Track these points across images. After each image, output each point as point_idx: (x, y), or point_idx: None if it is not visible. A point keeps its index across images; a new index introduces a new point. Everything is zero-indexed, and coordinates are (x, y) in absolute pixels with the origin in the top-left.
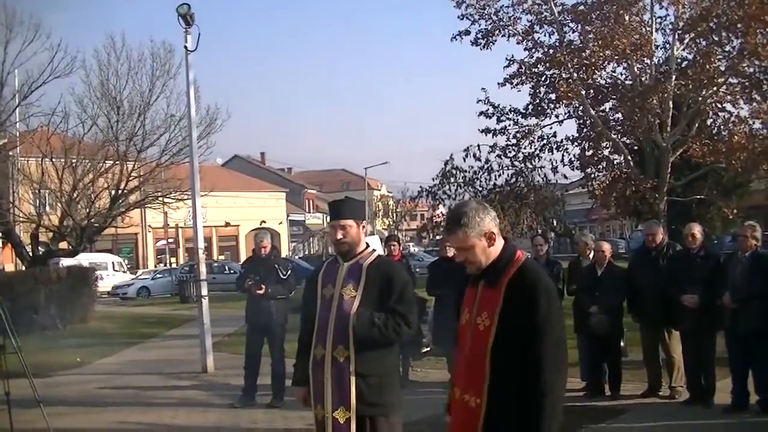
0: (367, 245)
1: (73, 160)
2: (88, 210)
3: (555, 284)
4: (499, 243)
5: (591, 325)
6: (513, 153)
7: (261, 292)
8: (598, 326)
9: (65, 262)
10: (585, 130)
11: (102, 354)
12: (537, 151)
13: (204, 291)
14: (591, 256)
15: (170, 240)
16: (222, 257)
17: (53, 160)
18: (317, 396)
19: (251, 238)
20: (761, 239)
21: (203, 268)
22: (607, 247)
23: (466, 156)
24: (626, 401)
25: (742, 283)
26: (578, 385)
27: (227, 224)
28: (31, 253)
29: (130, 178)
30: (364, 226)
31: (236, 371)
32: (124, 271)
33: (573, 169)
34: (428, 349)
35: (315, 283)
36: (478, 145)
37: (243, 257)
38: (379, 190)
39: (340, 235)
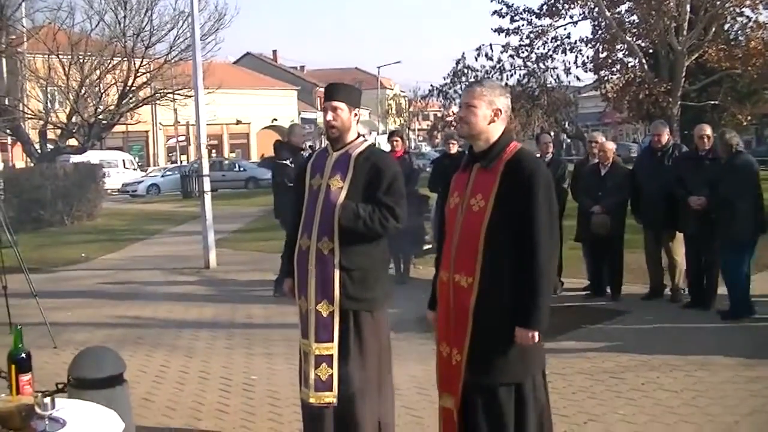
0: (359, 135)
1: (80, 56)
2: (95, 107)
3: (560, 184)
4: (500, 127)
5: (592, 225)
6: (526, 53)
7: None
8: (600, 226)
9: (74, 159)
10: (599, 31)
11: (107, 250)
12: (550, 52)
13: (207, 186)
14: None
15: (181, 137)
16: (233, 155)
17: (60, 56)
18: (301, 288)
19: (262, 136)
20: (733, 144)
21: (206, 164)
22: (610, 146)
23: (478, 55)
24: (626, 302)
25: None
26: (580, 285)
27: (238, 122)
28: (39, 150)
29: (138, 75)
30: (357, 114)
31: (238, 267)
32: (134, 169)
33: (586, 71)
34: (430, 246)
35: (303, 173)
36: (491, 45)
37: (254, 155)
38: (392, 89)
39: (330, 117)
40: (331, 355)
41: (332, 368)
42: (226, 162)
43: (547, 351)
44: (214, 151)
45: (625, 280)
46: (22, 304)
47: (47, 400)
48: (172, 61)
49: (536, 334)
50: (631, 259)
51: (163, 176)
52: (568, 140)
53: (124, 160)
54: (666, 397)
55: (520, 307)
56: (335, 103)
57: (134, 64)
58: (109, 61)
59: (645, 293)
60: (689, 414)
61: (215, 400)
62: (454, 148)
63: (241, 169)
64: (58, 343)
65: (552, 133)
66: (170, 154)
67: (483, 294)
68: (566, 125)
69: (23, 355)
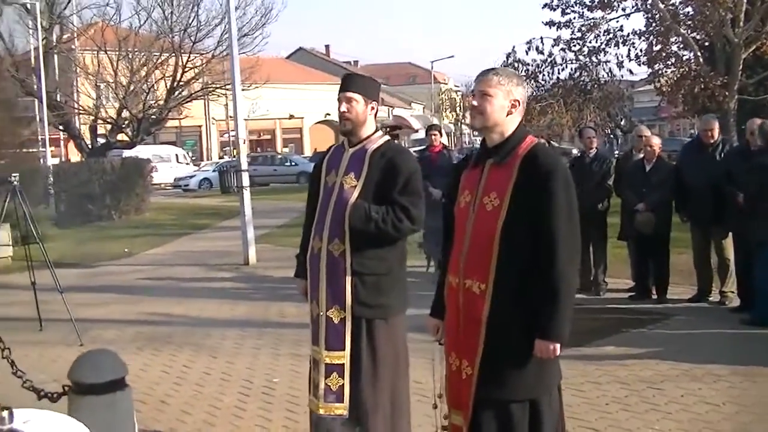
0: (377, 129)
1: (129, 52)
2: (144, 102)
3: (605, 180)
4: (517, 120)
5: (636, 223)
6: (577, 47)
7: None
8: (645, 225)
9: (127, 153)
10: (653, 24)
11: (150, 245)
12: (602, 46)
13: (245, 182)
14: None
15: (233, 132)
16: (286, 149)
17: (108, 52)
18: (312, 291)
19: (315, 131)
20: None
21: (244, 159)
22: (656, 141)
23: (529, 49)
24: (673, 305)
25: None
26: (625, 285)
27: (291, 117)
28: (90, 145)
29: (186, 70)
30: (374, 108)
31: (277, 263)
32: (187, 163)
33: (639, 65)
34: None
35: (319, 169)
36: (542, 38)
37: (307, 149)
38: (446, 83)
39: (344, 108)
40: (343, 365)
41: (344, 378)
42: (278, 157)
43: (583, 356)
44: (269, 146)
45: (673, 282)
46: (52, 300)
47: (5, 413)
48: (220, 56)
49: (557, 346)
50: (681, 260)
51: (214, 171)
52: (621, 135)
53: (177, 155)
54: (706, 411)
55: (539, 316)
56: (350, 94)
57: (182, 59)
58: (157, 56)
59: (692, 295)
60: (729, 431)
61: (233, 403)
62: None
63: (293, 163)
64: (85, 340)
65: (589, 124)
66: (223, 149)
67: (498, 301)
68: (620, 120)
69: None
